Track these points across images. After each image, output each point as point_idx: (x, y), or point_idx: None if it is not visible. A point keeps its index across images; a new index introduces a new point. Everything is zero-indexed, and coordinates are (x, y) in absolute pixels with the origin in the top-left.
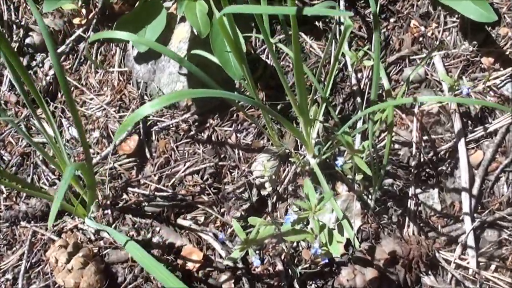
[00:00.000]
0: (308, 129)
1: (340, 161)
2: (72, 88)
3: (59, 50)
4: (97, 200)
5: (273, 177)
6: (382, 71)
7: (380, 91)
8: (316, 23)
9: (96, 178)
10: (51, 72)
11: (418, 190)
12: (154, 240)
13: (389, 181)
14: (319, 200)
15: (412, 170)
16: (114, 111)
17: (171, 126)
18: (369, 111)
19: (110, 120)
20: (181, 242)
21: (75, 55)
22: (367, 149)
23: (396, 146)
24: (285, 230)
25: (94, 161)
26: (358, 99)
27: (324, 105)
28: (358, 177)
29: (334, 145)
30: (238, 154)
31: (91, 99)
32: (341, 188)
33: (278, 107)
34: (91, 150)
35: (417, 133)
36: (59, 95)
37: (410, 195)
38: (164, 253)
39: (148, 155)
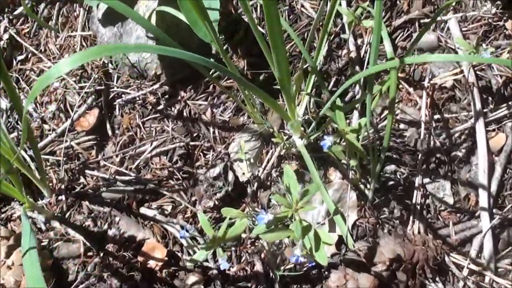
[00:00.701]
0: (292, 104)
1: (327, 140)
2: (29, 55)
3: (16, 12)
4: (50, 184)
5: (254, 160)
6: (384, 33)
7: (384, 61)
8: None
9: (51, 159)
10: (6, 36)
11: (427, 180)
12: (110, 232)
13: (391, 167)
14: (302, 194)
15: (420, 155)
16: (75, 81)
17: (137, 98)
18: (363, 75)
19: (69, 92)
20: (143, 235)
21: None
22: (364, 129)
23: (402, 126)
24: (258, 232)
25: (49, 138)
26: (357, 69)
27: (314, 76)
28: (354, 162)
29: (326, 123)
30: (214, 132)
31: (49, 67)
32: (334, 175)
33: (261, 77)
34: (46, 126)
35: (427, 111)
36: (15, 62)
37: (416, 185)
38: (121, 248)
39: (109, 133)
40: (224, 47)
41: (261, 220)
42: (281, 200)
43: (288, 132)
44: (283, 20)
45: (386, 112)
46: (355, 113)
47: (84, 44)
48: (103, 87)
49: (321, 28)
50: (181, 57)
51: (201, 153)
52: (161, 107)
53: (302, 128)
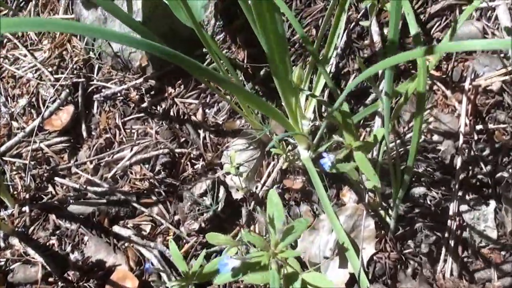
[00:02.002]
0: (293, 107)
1: (327, 159)
2: (5, 41)
3: None
4: (15, 193)
5: (251, 174)
6: (410, 16)
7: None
8: None
9: (18, 163)
10: None
11: (464, 207)
12: (73, 256)
13: (420, 190)
14: (285, 233)
15: (457, 176)
16: (51, 71)
17: (118, 94)
18: (376, 69)
19: (44, 84)
20: (114, 260)
21: None
22: (385, 140)
23: (435, 137)
24: (220, 282)
25: (17, 138)
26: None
27: (323, 72)
28: (370, 184)
29: (337, 132)
30: (204, 138)
31: (25, 55)
32: (348, 196)
33: (262, 72)
34: (15, 124)
35: (467, 119)
36: None
37: (451, 213)
38: (86, 275)
39: (84, 134)
40: (220, 35)
41: (223, 267)
42: (254, 240)
43: (292, 141)
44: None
45: (424, 114)
46: (377, 120)
47: None
48: (81, 79)
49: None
50: (153, 53)
51: (188, 163)
52: (145, 105)
53: (310, 138)
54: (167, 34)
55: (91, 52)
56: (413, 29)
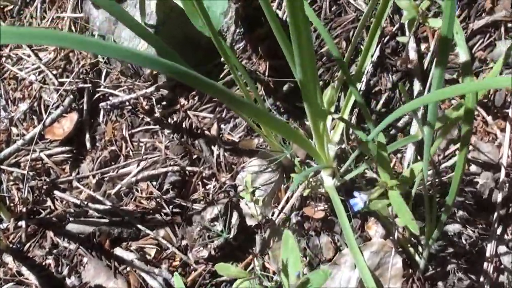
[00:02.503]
0: (321, 131)
1: (359, 199)
2: None
3: None
4: (12, 205)
5: (268, 199)
6: (460, 36)
7: (455, 75)
8: None
9: (15, 172)
10: None
11: (503, 248)
12: (69, 282)
13: (454, 227)
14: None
15: (496, 213)
16: (55, 74)
17: (127, 103)
18: (422, 103)
19: (47, 88)
20: (114, 286)
21: None
22: (419, 175)
23: (473, 168)
24: None
25: (15, 146)
26: (417, 84)
27: (354, 92)
28: (401, 222)
29: (367, 161)
30: (218, 156)
31: (28, 56)
32: (375, 230)
33: (285, 87)
34: (14, 130)
35: (510, 150)
36: None
37: (488, 254)
38: None
39: (88, 145)
40: (240, 44)
41: None
42: None
43: (315, 165)
44: (308, 9)
45: (452, 147)
46: (410, 148)
47: (73, 28)
48: (87, 85)
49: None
50: (160, 71)
51: (199, 183)
52: (155, 116)
53: (335, 163)
54: (182, 40)
55: (99, 56)
56: (463, 53)
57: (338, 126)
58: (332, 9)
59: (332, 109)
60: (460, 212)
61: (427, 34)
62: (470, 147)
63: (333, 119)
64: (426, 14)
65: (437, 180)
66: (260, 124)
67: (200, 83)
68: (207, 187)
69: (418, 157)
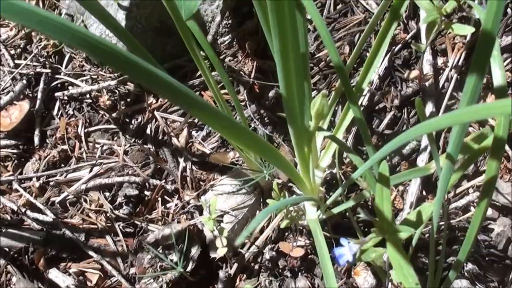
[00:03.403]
0: (306, 154)
1: (347, 250)
2: None
3: None
4: None
5: (238, 227)
6: (496, 51)
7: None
8: None
9: None
10: None
11: None
12: None
13: (461, 283)
14: None
15: None
16: (12, 55)
17: (87, 96)
18: (451, 122)
19: (1, 69)
20: None
21: None
22: (426, 220)
23: (488, 211)
24: None
25: None
26: (429, 105)
27: (354, 108)
28: (398, 277)
29: (358, 195)
30: (185, 170)
31: None
32: (364, 276)
33: (271, 93)
34: None
35: None
36: None
37: None
38: None
39: (37, 140)
40: (226, 37)
41: None
42: None
43: (298, 191)
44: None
45: (465, 184)
46: (415, 182)
47: (41, 4)
48: (46, 70)
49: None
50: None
51: (159, 199)
52: (117, 114)
53: (323, 191)
54: (157, 26)
55: None
56: (499, 73)
57: (330, 146)
58: (338, 7)
59: (325, 125)
60: (470, 266)
61: (445, 47)
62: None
63: (324, 138)
64: (450, 19)
65: (445, 222)
66: (230, 140)
67: (174, 91)
68: (168, 205)
69: (424, 192)
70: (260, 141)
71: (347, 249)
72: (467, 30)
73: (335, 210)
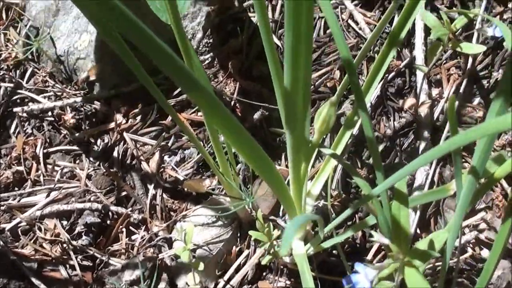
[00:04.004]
0: (302, 170)
1: (363, 276)
2: None
3: None
4: None
5: (212, 264)
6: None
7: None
8: None
9: None
10: None
11: None
12: None
13: None
14: None
15: None
16: None
17: (49, 113)
18: (481, 134)
19: None
20: None
21: None
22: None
23: (485, 252)
24: None
25: None
26: (425, 137)
27: (348, 135)
28: None
29: (357, 225)
30: (155, 197)
31: None
32: None
33: (256, 115)
34: None
35: None
36: None
37: None
38: None
39: None
40: (207, 56)
41: None
42: None
43: (284, 225)
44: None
45: (474, 219)
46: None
47: (5, 15)
48: (6, 84)
49: (376, 54)
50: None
51: (124, 230)
52: (80, 134)
53: (310, 224)
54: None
55: (29, 54)
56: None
57: (324, 170)
58: (328, 31)
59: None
60: None
61: (440, 77)
62: (485, 225)
63: (313, 166)
64: (457, 37)
65: (456, 261)
66: (229, 140)
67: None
68: (133, 237)
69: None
70: (259, 150)
71: (363, 276)
72: (478, 49)
73: (326, 244)
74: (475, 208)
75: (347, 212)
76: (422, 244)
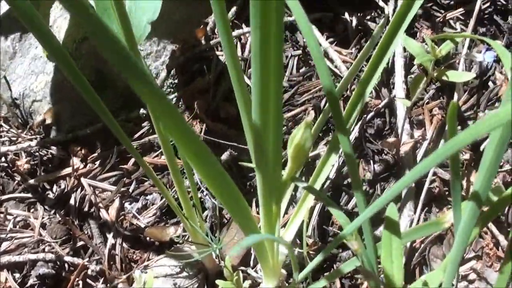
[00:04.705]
0: (272, 211)
1: None
2: None
3: None
4: None
5: None
6: None
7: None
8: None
9: None
10: None
11: None
12: None
13: None
14: None
15: None
16: None
17: (1, 159)
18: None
19: None
20: None
21: None
22: None
23: None
24: None
25: None
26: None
27: (324, 175)
28: None
29: (334, 272)
30: (114, 247)
31: None
32: None
33: (225, 156)
34: None
35: None
36: None
37: None
38: None
39: None
40: (171, 97)
41: None
42: None
43: (255, 275)
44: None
45: (463, 268)
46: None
47: None
48: None
49: (351, 93)
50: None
51: (80, 282)
52: (34, 181)
53: (283, 274)
54: (94, 80)
55: None
56: None
57: (293, 220)
58: (301, 70)
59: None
60: None
61: (423, 118)
62: (474, 276)
63: (286, 212)
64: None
65: None
66: (195, 168)
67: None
68: None
69: None
70: (227, 179)
71: None
72: (466, 77)
73: None
74: (464, 256)
75: (321, 255)
76: (416, 284)
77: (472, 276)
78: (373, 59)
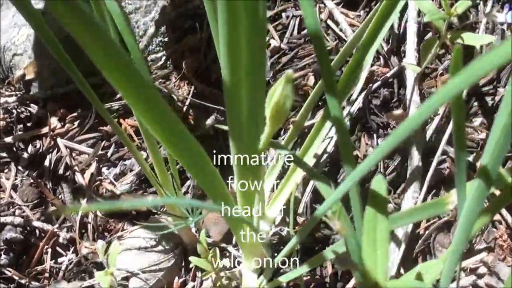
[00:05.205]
0: (249, 183)
1: None
2: None
3: None
4: None
5: None
6: None
7: (471, 158)
8: None
9: None
10: None
11: None
12: None
13: None
14: None
15: None
16: None
17: None
18: None
19: None
20: None
21: None
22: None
23: None
24: None
25: None
26: (415, 156)
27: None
28: None
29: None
30: (87, 215)
31: None
32: None
33: (209, 121)
34: None
35: None
36: None
37: None
38: None
39: None
40: (159, 55)
41: None
42: None
43: (235, 253)
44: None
45: (471, 261)
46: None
47: None
48: None
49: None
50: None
51: (49, 250)
52: (11, 139)
53: (268, 252)
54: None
55: None
56: None
57: (284, 188)
58: (302, 32)
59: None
60: None
61: (436, 91)
62: (485, 270)
63: (275, 189)
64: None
65: None
66: (166, 143)
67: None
68: (60, 259)
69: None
70: (191, 141)
71: None
72: (485, 40)
73: (284, 278)
74: (474, 247)
75: (296, 237)
76: (409, 275)
77: (482, 269)
78: (377, 18)
